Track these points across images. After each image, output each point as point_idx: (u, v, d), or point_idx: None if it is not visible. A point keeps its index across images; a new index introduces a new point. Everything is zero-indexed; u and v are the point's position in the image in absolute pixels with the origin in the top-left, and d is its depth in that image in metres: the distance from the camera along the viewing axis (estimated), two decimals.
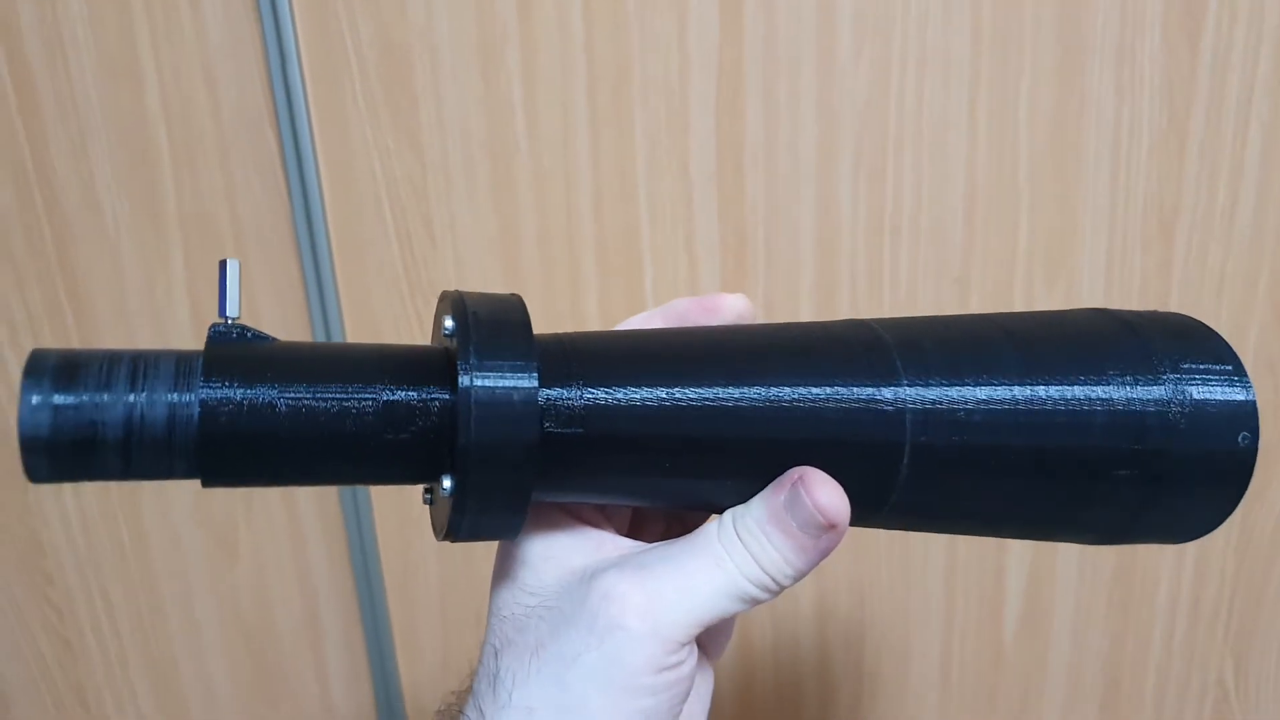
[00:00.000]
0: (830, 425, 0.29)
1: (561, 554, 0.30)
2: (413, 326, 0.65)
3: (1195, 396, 0.29)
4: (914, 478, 0.29)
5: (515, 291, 0.30)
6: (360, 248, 0.64)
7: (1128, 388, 0.29)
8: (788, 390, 0.28)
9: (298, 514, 0.69)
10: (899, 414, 0.29)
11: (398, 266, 0.64)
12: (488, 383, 0.26)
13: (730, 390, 0.28)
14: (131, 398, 0.25)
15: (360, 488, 0.68)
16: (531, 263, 0.63)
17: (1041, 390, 0.29)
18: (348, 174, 0.62)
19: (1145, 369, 0.30)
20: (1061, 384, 0.29)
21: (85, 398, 0.25)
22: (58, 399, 0.25)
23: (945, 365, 0.29)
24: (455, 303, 0.29)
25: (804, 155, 0.61)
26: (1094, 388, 0.29)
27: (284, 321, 0.65)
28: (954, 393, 0.29)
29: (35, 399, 0.24)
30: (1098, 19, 0.57)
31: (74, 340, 0.66)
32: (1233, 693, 0.68)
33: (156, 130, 0.62)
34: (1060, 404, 0.29)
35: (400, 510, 0.69)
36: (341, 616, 0.71)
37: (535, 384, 0.27)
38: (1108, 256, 0.61)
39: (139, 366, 0.26)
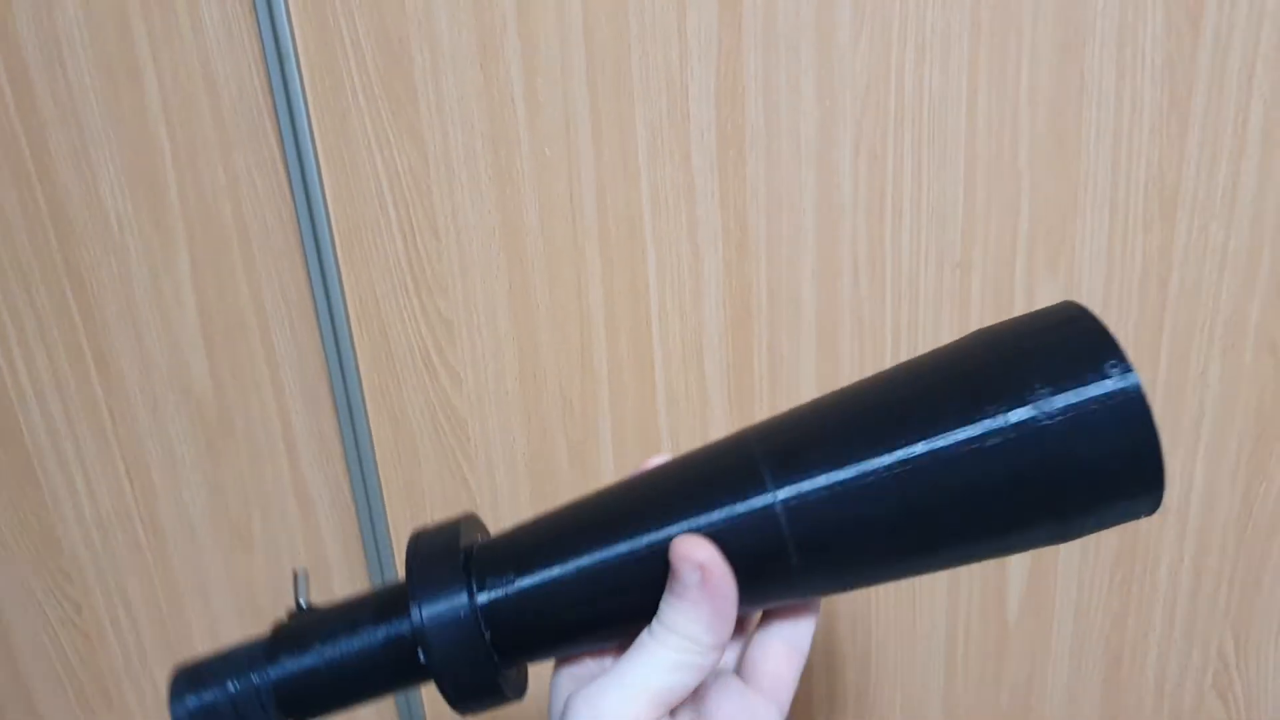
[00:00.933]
0: (716, 543, 0.33)
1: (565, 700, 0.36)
2: (417, 320, 0.65)
3: (1066, 400, 0.29)
4: (806, 562, 0.32)
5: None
6: (363, 241, 0.64)
7: (999, 417, 0.29)
8: (671, 529, 0.34)
9: (311, 507, 0.70)
10: (770, 514, 0.32)
11: (401, 259, 0.64)
12: (430, 610, 0.34)
13: (627, 544, 0.34)
14: (230, 686, 0.37)
15: (370, 481, 0.68)
16: (535, 253, 0.63)
17: (913, 449, 0.30)
18: (349, 167, 0.62)
19: (1012, 392, 0.29)
20: (931, 437, 0.30)
21: (204, 695, 0.37)
22: (189, 700, 0.37)
23: (809, 456, 0.32)
24: (409, 541, 0.37)
25: (804, 140, 0.61)
26: (964, 430, 0.29)
27: (290, 317, 0.66)
28: (817, 480, 0.32)
29: (179, 704, 0.37)
30: None
31: (83, 340, 0.67)
32: (1233, 664, 0.69)
33: (157, 129, 0.62)
34: (933, 457, 0.30)
35: (413, 506, 0.69)
36: None
37: (465, 599, 0.34)
38: (1109, 238, 0.61)
39: (231, 661, 0.37)
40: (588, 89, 0.60)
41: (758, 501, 0.32)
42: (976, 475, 0.30)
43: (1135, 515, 0.31)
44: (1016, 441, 0.29)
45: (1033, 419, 0.29)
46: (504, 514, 0.69)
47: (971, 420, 0.29)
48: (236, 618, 0.73)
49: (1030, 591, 0.69)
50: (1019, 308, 0.63)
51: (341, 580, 0.72)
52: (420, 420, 0.68)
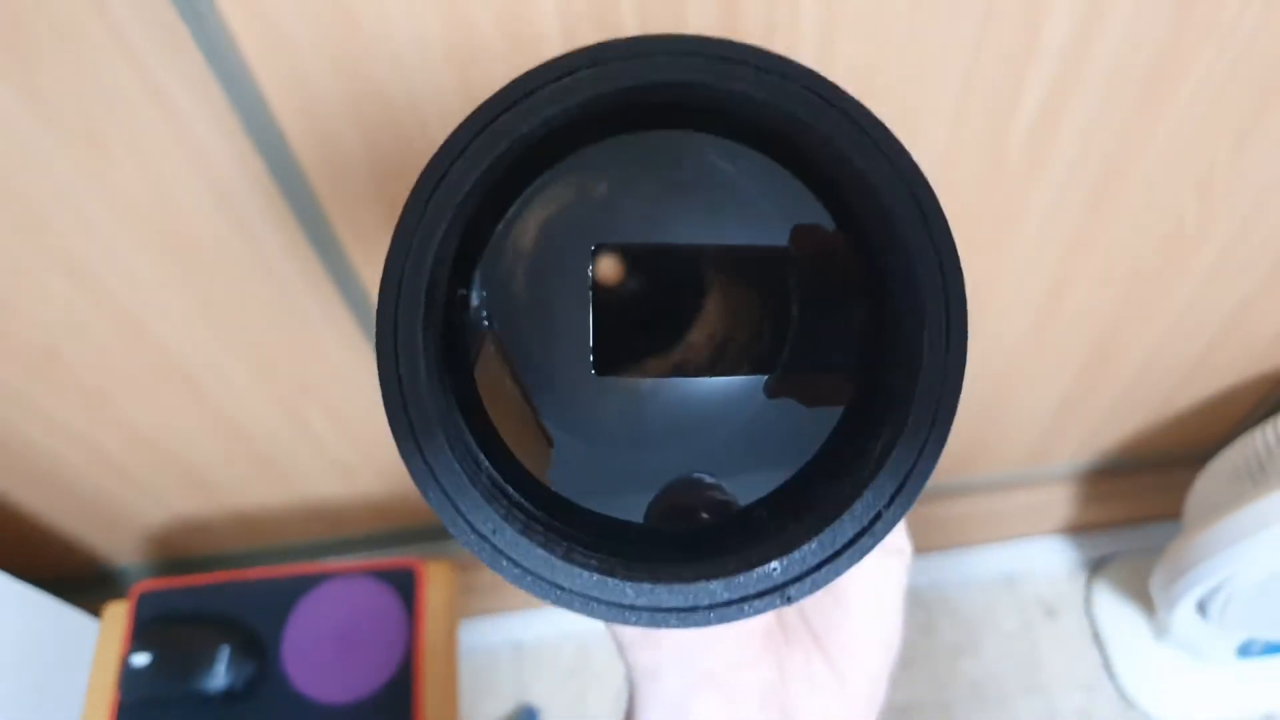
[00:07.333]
0: None
1: None
2: None
3: None
4: None
5: None
6: None
7: None
8: None
9: (175, 108, 0.54)
10: None
11: None
12: None
13: None
14: None
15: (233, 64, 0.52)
16: None
17: None
18: None
19: None
20: None
21: None
22: None
23: None
24: None
25: None
26: None
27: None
28: None
29: None
30: None
31: None
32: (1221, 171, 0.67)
33: None
34: None
35: (288, 67, 0.54)
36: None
37: None
38: None
39: None
40: None
41: None
42: None
43: None
44: None
45: None
46: (423, 96, 0.55)
47: None
48: (123, 234, 0.62)
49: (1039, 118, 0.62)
50: None
51: (235, 176, 0.59)
52: None
